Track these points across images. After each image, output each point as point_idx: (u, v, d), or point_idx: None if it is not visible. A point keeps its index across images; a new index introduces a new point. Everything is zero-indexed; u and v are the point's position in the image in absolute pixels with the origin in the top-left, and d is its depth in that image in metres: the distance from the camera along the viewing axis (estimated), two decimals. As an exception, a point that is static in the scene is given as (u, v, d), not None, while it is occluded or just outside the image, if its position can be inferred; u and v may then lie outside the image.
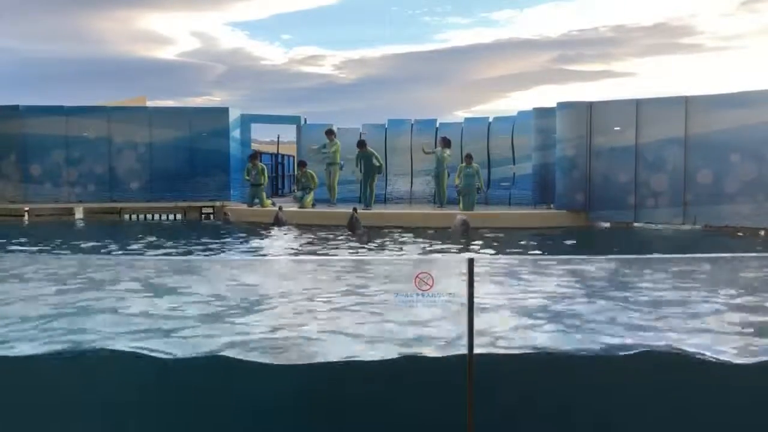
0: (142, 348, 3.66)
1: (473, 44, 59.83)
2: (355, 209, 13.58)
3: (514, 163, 16.72)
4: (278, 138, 21.51)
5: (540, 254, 9.98)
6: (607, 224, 13.72)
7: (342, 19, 65.56)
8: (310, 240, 11.85)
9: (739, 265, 4.64)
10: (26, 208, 15.99)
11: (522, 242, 11.28)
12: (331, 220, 14.00)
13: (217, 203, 16.40)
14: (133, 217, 16.08)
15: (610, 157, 13.57)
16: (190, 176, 16.80)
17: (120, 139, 16.83)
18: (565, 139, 14.01)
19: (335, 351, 3.73)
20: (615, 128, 13.52)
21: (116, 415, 3.48)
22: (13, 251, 8.70)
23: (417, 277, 3.39)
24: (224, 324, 4.19)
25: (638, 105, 13.36)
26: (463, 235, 12.19)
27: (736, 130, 12.23)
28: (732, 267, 4.68)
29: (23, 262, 4.93)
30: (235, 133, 17.54)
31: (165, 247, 10.82)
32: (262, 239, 12.44)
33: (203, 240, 11.83)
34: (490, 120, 17.43)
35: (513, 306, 4.43)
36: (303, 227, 13.47)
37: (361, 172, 15.56)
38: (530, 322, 4.23)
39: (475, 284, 3.25)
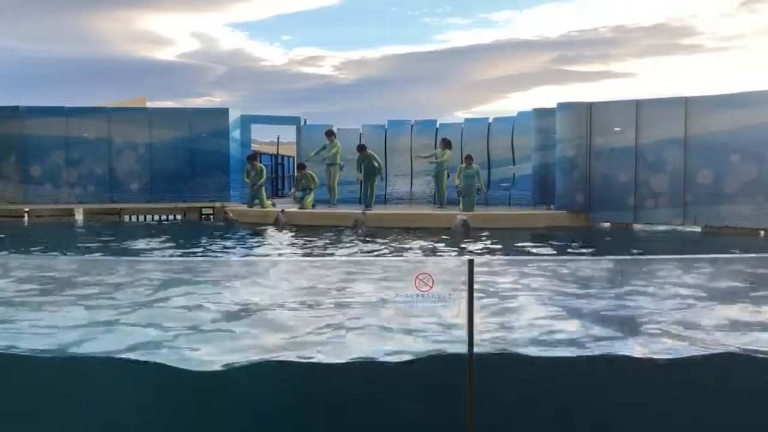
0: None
1: (473, 45, 59.81)
2: (363, 212, 13.71)
3: (514, 164, 16.72)
4: (278, 139, 21.52)
5: (544, 255, 9.97)
6: (607, 225, 13.72)
7: (342, 19, 65.54)
8: (314, 240, 11.87)
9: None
10: (26, 209, 15.98)
11: (522, 243, 11.28)
12: (333, 221, 14.03)
13: (217, 204, 16.39)
14: (133, 218, 16.07)
15: (610, 157, 13.57)
16: (190, 177, 16.80)
17: (120, 139, 16.83)
18: (565, 140, 14.01)
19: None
20: (615, 129, 13.52)
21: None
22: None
23: (417, 278, 3.39)
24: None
25: (638, 105, 13.36)
26: (464, 236, 12.21)
27: (735, 131, 12.23)
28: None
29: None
30: (235, 134, 17.55)
31: (189, 249, 10.78)
32: (271, 240, 12.45)
33: (214, 241, 11.87)
34: (490, 121, 17.43)
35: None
36: (304, 228, 13.49)
37: (361, 173, 15.59)
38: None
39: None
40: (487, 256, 9.54)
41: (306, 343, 3.93)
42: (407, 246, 10.89)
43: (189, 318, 4.33)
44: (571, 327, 4.20)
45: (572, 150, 13.87)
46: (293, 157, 20.09)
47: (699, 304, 4.41)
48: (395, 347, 3.79)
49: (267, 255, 10.77)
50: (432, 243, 11.15)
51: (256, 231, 13.46)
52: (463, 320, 3.30)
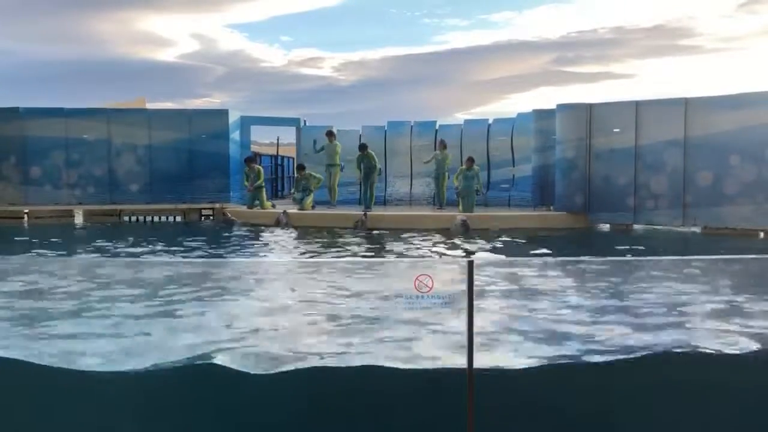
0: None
1: (472, 46, 59.96)
2: (364, 212, 13.74)
3: (513, 165, 16.73)
4: (278, 140, 21.55)
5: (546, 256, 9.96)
6: (607, 226, 13.72)
7: (341, 21, 65.63)
8: (316, 241, 11.87)
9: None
10: (26, 211, 15.98)
11: (522, 244, 11.29)
12: (334, 222, 14.04)
13: (217, 205, 16.40)
14: (133, 218, 16.07)
15: (610, 158, 13.57)
16: (190, 178, 16.80)
17: (120, 140, 16.83)
18: (564, 141, 14.02)
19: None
20: (615, 130, 13.53)
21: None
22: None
23: (417, 279, 3.39)
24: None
25: (638, 107, 13.37)
26: (463, 236, 12.22)
27: (735, 132, 12.24)
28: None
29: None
30: (235, 135, 17.56)
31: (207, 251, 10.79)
32: (275, 241, 12.44)
33: (220, 242, 11.87)
34: (490, 122, 17.45)
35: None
36: (304, 229, 13.50)
37: (361, 172, 15.61)
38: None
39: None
40: (487, 258, 9.52)
41: (302, 348, 3.93)
42: (407, 247, 10.88)
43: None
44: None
45: (572, 151, 13.87)
46: (293, 158, 20.10)
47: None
48: (394, 350, 3.79)
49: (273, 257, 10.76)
50: (432, 244, 11.15)
51: (258, 232, 13.46)
52: (462, 323, 3.30)
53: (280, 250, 11.29)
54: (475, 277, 3.24)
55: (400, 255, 10.07)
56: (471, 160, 15.02)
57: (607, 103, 13.91)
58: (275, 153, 21.56)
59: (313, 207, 15.59)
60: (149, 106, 20.57)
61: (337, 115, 71.37)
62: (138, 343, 3.98)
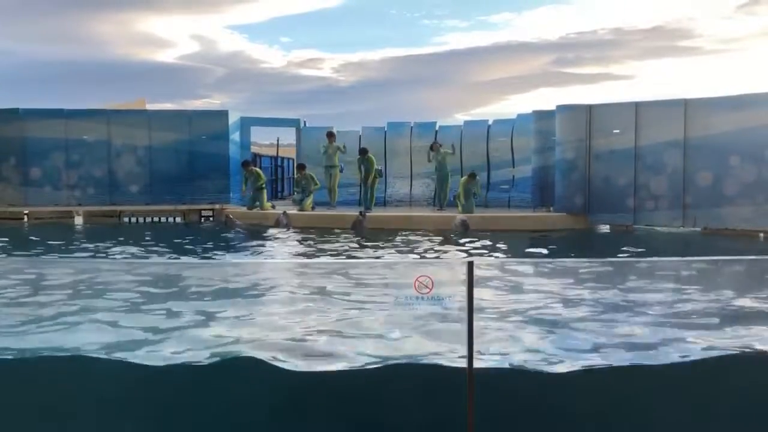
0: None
1: (472, 47, 60.00)
2: (361, 213, 13.73)
3: (513, 166, 16.72)
4: (278, 141, 21.55)
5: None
6: (607, 227, 13.72)
7: (341, 22, 65.66)
8: (316, 242, 11.88)
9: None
10: (26, 212, 15.98)
11: (522, 245, 11.29)
12: (333, 223, 14.04)
13: (217, 206, 16.41)
14: (133, 220, 16.07)
15: (610, 159, 13.57)
16: (190, 179, 16.80)
17: (119, 142, 16.82)
18: (564, 142, 14.02)
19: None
20: (614, 131, 13.53)
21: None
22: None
23: (417, 280, 3.39)
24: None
25: (637, 108, 13.37)
26: (463, 236, 12.21)
27: (735, 133, 12.23)
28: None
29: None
30: (235, 136, 17.56)
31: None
32: (277, 242, 12.46)
33: (231, 245, 11.90)
34: (490, 123, 17.44)
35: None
36: (305, 229, 13.50)
37: (361, 174, 15.65)
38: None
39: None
40: (487, 258, 9.52)
41: (303, 347, 3.93)
42: (407, 247, 10.88)
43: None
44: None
45: (572, 152, 13.87)
46: (293, 159, 20.10)
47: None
48: (394, 351, 3.79)
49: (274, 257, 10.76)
50: (432, 244, 11.15)
51: (259, 232, 13.47)
52: (462, 325, 3.30)
53: (283, 250, 11.32)
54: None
55: (400, 256, 10.07)
56: (473, 176, 14.92)
57: (607, 104, 13.91)
58: (275, 154, 21.56)
59: (313, 208, 15.61)
60: (149, 107, 20.55)
61: (337, 115, 71.44)
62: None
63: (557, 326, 4.32)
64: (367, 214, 14.18)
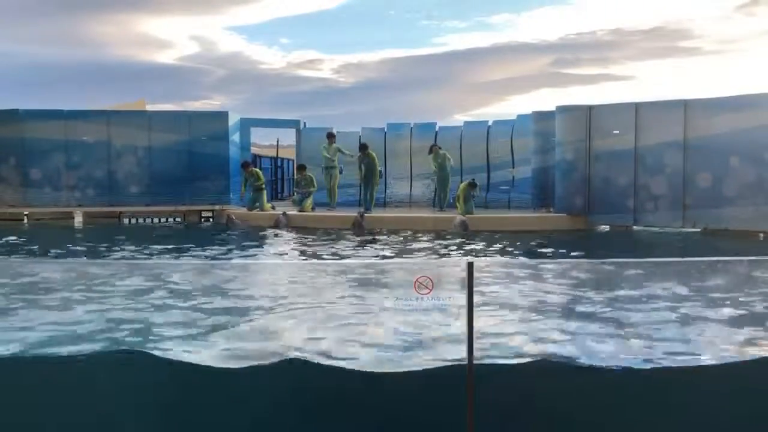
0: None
1: (471, 48, 60.03)
2: (360, 213, 13.72)
3: (513, 167, 16.73)
4: (278, 142, 21.56)
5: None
6: (607, 227, 13.72)
7: (340, 23, 65.69)
8: (316, 242, 11.88)
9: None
10: (26, 212, 15.97)
11: (522, 245, 11.28)
12: (333, 224, 14.04)
13: (217, 207, 16.41)
14: (133, 220, 16.07)
15: (610, 160, 13.57)
16: (190, 180, 16.78)
17: (119, 142, 16.82)
18: (564, 143, 14.02)
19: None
20: (614, 132, 13.52)
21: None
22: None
23: (416, 281, 3.39)
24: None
25: (637, 108, 13.36)
26: (463, 237, 12.21)
27: (735, 133, 12.23)
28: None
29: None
30: (235, 137, 17.56)
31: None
32: (277, 242, 12.45)
33: (240, 244, 11.88)
34: (490, 123, 17.45)
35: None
36: (304, 230, 13.50)
37: (362, 172, 15.59)
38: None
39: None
40: (487, 259, 9.52)
41: (303, 348, 3.93)
42: (407, 248, 10.88)
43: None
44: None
45: (572, 153, 13.87)
46: (293, 160, 20.10)
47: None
48: (393, 351, 3.79)
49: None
50: (432, 245, 11.15)
51: (259, 233, 13.48)
52: (462, 325, 3.30)
53: (288, 252, 11.31)
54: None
55: (400, 257, 10.07)
56: (473, 185, 14.87)
57: (607, 105, 13.91)
58: (275, 155, 21.56)
59: (312, 209, 15.60)
60: (149, 108, 20.57)
61: (337, 116, 71.53)
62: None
63: (557, 326, 4.32)
64: (366, 215, 14.16)
